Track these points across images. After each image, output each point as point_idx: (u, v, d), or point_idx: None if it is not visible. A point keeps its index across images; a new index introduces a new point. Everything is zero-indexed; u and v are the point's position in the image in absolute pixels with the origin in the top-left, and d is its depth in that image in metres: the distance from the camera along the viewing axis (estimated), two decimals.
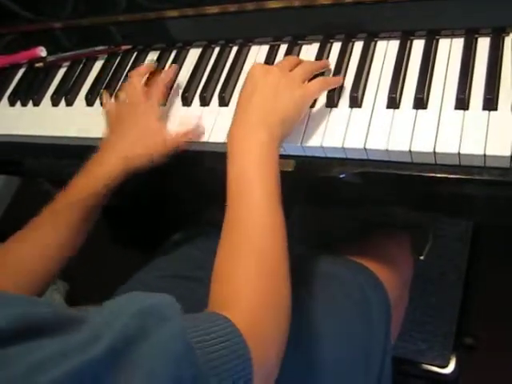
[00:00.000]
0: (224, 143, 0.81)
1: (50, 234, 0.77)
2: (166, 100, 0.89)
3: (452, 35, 0.80)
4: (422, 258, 1.30)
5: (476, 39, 0.78)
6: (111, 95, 0.95)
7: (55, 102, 1.02)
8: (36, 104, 1.04)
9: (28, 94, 1.05)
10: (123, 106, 0.85)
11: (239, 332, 0.51)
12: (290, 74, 0.75)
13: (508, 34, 0.77)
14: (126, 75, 0.99)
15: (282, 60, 0.81)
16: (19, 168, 1.05)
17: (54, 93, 1.03)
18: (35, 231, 0.77)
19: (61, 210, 0.77)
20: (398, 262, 0.96)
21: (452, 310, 1.22)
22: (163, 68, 0.95)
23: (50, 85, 1.06)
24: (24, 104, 1.04)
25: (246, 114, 0.71)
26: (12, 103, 1.05)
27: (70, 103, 1.00)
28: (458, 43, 0.79)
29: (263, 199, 0.64)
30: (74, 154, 0.95)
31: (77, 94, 1.01)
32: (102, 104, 0.93)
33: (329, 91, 0.79)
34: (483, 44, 0.77)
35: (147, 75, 0.90)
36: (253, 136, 0.68)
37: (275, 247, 0.62)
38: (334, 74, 0.82)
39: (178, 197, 1.19)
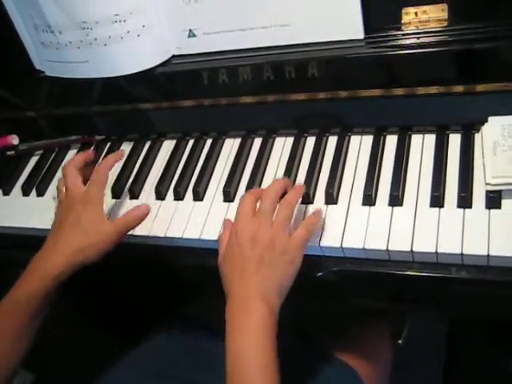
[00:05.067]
0: (199, 239, 0.80)
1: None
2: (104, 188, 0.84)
3: (424, 131, 0.81)
4: (400, 342, 1.28)
5: (447, 135, 0.80)
6: None
7: (26, 192, 1.00)
8: (6, 193, 1.02)
9: None
10: (63, 201, 0.83)
11: None
12: (275, 231, 0.70)
13: (477, 131, 0.78)
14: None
15: (261, 208, 0.73)
16: None
17: (25, 182, 1.01)
18: None
19: (7, 312, 0.76)
20: (379, 354, 0.95)
21: None
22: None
23: (21, 174, 1.04)
24: None
25: (241, 288, 0.69)
26: None
27: (41, 193, 0.98)
28: (430, 139, 0.80)
29: (263, 378, 0.64)
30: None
31: (48, 184, 1.00)
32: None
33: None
34: (454, 140, 0.79)
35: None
36: (253, 314, 0.66)
37: None
38: (309, 169, 0.82)
39: (149, 288, 1.17)
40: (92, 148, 1.02)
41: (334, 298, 0.82)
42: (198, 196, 0.85)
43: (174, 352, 0.94)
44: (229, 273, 0.71)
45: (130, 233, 0.81)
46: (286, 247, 0.70)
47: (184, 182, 0.88)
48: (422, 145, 0.80)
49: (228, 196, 0.84)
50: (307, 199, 0.79)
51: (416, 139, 0.81)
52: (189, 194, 0.87)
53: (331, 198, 0.77)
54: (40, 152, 1.06)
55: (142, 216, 0.82)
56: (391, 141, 0.82)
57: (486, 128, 0.75)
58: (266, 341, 0.65)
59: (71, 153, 1.04)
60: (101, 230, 0.78)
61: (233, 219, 0.74)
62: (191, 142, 0.95)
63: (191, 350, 0.93)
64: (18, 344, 0.76)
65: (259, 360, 0.64)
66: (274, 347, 0.66)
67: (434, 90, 0.77)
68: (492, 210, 0.70)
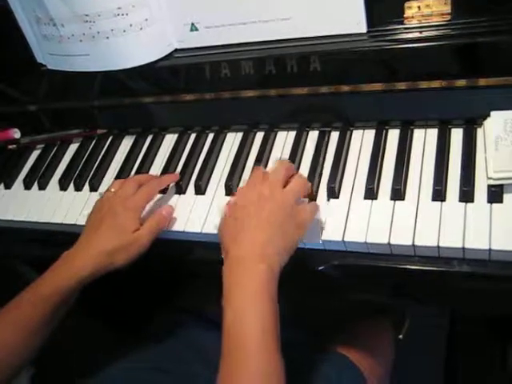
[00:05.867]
0: (200, 233, 0.80)
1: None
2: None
3: (426, 125, 0.81)
4: (400, 336, 1.28)
5: (449, 130, 0.80)
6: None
7: (28, 186, 1.00)
8: (8, 187, 1.02)
9: (0, 175, 1.03)
10: (109, 198, 0.81)
11: None
12: (282, 195, 0.70)
13: (480, 126, 0.78)
14: (101, 159, 0.98)
15: (271, 174, 0.74)
16: None
17: (27, 176, 1.01)
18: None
19: (31, 303, 0.75)
20: (380, 349, 0.95)
21: None
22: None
23: (22, 167, 1.05)
24: None
25: (240, 248, 0.67)
26: None
27: (42, 187, 0.98)
28: (433, 133, 0.80)
29: (261, 345, 0.61)
30: (45, 239, 0.94)
31: (50, 177, 1.00)
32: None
33: None
34: (457, 135, 0.79)
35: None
36: (251, 272, 0.65)
37: None
38: (311, 163, 0.82)
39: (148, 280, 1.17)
40: (94, 141, 1.02)
41: (336, 291, 0.82)
42: (200, 190, 0.85)
43: (173, 345, 0.94)
44: (227, 234, 0.70)
45: None
46: (295, 211, 0.69)
47: (186, 176, 0.88)
48: (424, 139, 0.80)
49: (230, 190, 0.84)
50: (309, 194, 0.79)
51: (418, 133, 0.81)
52: (191, 187, 0.87)
53: (333, 192, 0.77)
54: (42, 146, 1.06)
55: (169, 216, 0.82)
56: (393, 135, 0.82)
57: (488, 122, 0.75)
58: (265, 302, 0.63)
59: (73, 146, 1.04)
60: (131, 237, 0.77)
61: None
62: (193, 136, 0.95)
63: (190, 343, 0.94)
64: (34, 337, 0.75)
65: (258, 323, 0.62)
66: (275, 310, 0.64)
67: (436, 84, 0.76)
68: (494, 205, 0.69)
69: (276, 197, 0.70)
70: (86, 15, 0.83)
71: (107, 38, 0.85)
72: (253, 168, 0.76)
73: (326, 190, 0.78)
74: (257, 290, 0.63)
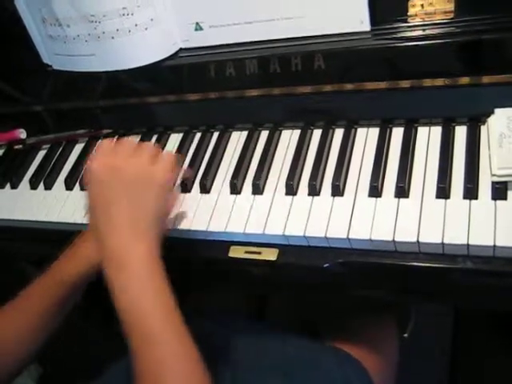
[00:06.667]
0: (205, 231, 0.81)
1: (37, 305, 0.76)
2: None
3: (430, 123, 0.81)
4: (405, 335, 1.28)
5: (453, 127, 0.80)
6: None
7: (34, 186, 1.00)
8: (14, 187, 1.02)
9: (6, 176, 1.04)
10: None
11: None
12: (139, 161, 0.69)
13: (484, 123, 0.78)
14: None
15: (117, 146, 0.71)
16: None
17: (33, 176, 1.02)
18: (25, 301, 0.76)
19: (49, 285, 0.76)
20: (384, 348, 0.95)
21: None
22: None
23: (28, 167, 1.05)
24: (1, 186, 1.03)
25: (113, 236, 0.65)
26: None
27: (48, 187, 0.99)
28: (436, 131, 0.81)
29: (166, 325, 0.62)
30: (51, 239, 0.94)
31: (56, 177, 1.00)
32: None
33: (310, 180, 0.79)
34: (460, 132, 0.79)
35: None
36: (131, 251, 0.64)
37: (181, 361, 0.61)
38: (315, 161, 0.83)
39: None
40: (99, 141, 1.03)
41: (340, 289, 0.82)
42: (205, 188, 0.86)
43: None
44: (94, 222, 0.67)
45: None
46: (149, 175, 0.67)
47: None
48: (428, 137, 0.80)
49: (235, 188, 0.84)
50: (313, 192, 0.79)
51: (422, 131, 0.81)
52: (196, 186, 0.87)
53: (337, 190, 0.78)
54: (47, 146, 1.07)
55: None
56: (397, 133, 0.82)
57: (492, 120, 0.76)
58: (156, 280, 0.63)
59: (78, 146, 1.05)
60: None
61: (241, 211, 0.74)
62: (198, 135, 0.96)
63: (199, 342, 0.94)
64: (43, 326, 0.76)
65: (156, 303, 0.62)
66: (168, 289, 0.63)
67: (440, 82, 0.77)
68: (498, 201, 0.70)
69: (132, 166, 0.67)
70: (92, 15, 0.83)
71: (112, 38, 0.85)
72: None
73: (330, 187, 0.78)
74: (144, 271, 0.63)
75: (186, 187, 0.87)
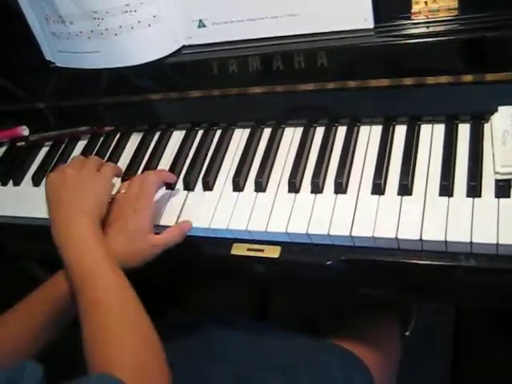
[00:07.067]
0: (208, 228, 0.81)
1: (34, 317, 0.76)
2: None
3: (433, 121, 0.81)
4: (407, 334, 1.28)
5: (457, 125, 0.80)
6: None
7: (36, 183, 1.00)
8: (16, 184, 1.02)
9: (8, 173, 1.04)
10: (120, 200, 0.81)
11: None
12: (84, 167, 0.82)
13: (487, 121, 0.78)
14: (109, 157, 0.99)
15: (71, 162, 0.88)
16: None
17: (36, 173, 1.01)
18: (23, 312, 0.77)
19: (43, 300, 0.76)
20: (386, 346, 0.95)
21: None
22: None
23: (31, 164, 1.05)
24: (4, 183, 1.03)
25: (60, 211, 0.77)
26: None
27: None
28: (440, 129, 0.80)
29: (117, 291, 0.67)
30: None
31: None
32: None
33: (313, 177, 0.79)
34: (464, 130, 0.79)
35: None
36: (76, 220, 0.74)
37: (130, 310, 0.67)
38: (318, 159, 0.82)
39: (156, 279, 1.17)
40: (101, 139, 1.03)
41: (343, 286, 0.82)
42: (208, 186, 0.86)
43: (183, 344, 0.94)
44: (49, 204, 0.80)
45: None
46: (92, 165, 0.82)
47: (194, 172, 0.88)
48: (432, 135, 0.80)
49: (237, 186, 0.84)
50: (316, 189, 0.79)
51: (425, 129, 0.81)
52: (199, 184, 0.87)
53: (340, 188, 0.78)
54: (50, 143, 1.07)
55: (186, 232, 0.80)
56: (400, 131, 0.82)
57: (495, 117, 0.76)
58: (99, 247, 0.71)
59: (81, 143, 1.05)
60: (146, 242, 0.76)
61: (244, 209, 0.74)
62: (200, 133, 0.95)
63: (201, 342, 0.94)
64: (40, 334, 0.76)
65: (96, 263, 0.69)
66: (108, 253, 0.71)
67: (443, 79, 0.77)
68: (501, 199, 0.70)
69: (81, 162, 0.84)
70: (95, 12, 0.83)
71: (115, 34, 0.85)
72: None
73: (333, 185, 0.78)
74: (91, 235, 0.72)
75: (188, 185, 0.87)
